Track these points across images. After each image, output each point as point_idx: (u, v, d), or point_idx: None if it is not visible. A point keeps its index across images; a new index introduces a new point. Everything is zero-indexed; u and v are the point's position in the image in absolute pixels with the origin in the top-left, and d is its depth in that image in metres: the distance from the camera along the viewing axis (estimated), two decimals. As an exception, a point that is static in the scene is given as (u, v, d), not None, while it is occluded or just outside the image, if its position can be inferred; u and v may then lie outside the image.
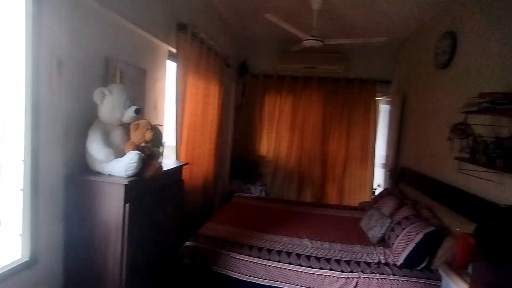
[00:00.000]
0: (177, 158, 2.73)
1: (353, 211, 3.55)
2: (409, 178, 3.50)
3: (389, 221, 2.57)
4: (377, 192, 4.28)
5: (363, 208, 3.58)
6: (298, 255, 2.28)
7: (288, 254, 2.29)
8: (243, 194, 4.16)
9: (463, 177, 2.21)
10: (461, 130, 1.94)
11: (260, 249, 2.34)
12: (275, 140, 5.02)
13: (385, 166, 4.49)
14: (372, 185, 4.66)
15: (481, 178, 2.05)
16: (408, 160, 3.72)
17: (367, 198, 4.62)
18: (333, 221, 3.11)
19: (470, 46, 2.58)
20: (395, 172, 3.95)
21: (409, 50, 4.07)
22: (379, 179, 4.67)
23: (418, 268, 2.13)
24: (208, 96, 3.35)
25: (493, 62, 2.22)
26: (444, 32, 2.97)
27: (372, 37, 3.60)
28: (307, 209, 3.52)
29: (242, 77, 5.07)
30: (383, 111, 4.86)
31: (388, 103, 4.65)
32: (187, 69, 2.73)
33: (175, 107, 2.65)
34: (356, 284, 2.05)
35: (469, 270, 1.79)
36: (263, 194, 4.87)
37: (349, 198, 4.75)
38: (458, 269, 1.85)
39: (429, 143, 3.09)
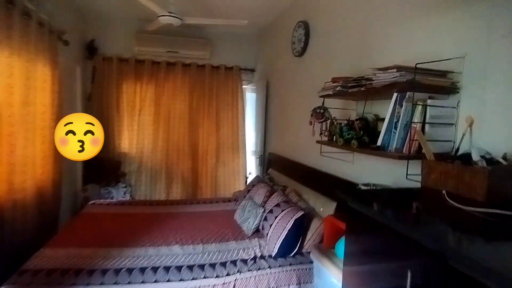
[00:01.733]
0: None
1: (227, 204, 3.43)
2: (277, 164, 3.61)
3: (262, 210, 2.51)
4: (249, 180, 4.31)
5: (236, 198, 3.51)
6: (167, 268, 1.92)
7: (155, 269, 1.91)
8: (101, 200, 3.45)
9: (325, 160, 2.33)
10: (321, 114, 1.99)
11: (117, 271, 1.87)
12: (137, 133, 4.39)
13: (254, 152, 4.57)
14: (244, 171, 4.69)
15: (340, 160, 2.18)
16: (275, 146, 3.85)
17: (241, 187, 4.63)
18: (206, 218, 2.88)
19: (320, 36, 2.74)
20: (264, 158, 4.05)
21: (270, 38, 4.18)
22: (251, 167, 4.73)
23: (291, 254, 2.13)
24: (33, 80, 2.50)
25: (341, 51, 2.40)
26: (298, 21, 3.10)
27: (233, 19, 3.47)
28: (177, 209, 3.18)
29: (90, 60, 4.18)
30: (250, 98, 4.93)
31: (254, 91, 4.73)
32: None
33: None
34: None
35: (335, 249, 1.86)
36: (127, 197, 4.22)
37: (224, 189, 4.65)
38: (326, 250, 1.91)
39: (293, 128, 3.23)
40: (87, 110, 4.19)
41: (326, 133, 2.06)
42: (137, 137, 4.39)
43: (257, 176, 3.50)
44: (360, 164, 2.09)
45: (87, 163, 4.21)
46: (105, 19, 4.19)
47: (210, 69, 4.54)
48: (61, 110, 2.94)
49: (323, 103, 2.08)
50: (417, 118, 1.38)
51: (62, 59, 3.06)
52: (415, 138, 1.38)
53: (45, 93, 2.68)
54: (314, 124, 2.07)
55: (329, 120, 2.03)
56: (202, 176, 4.61)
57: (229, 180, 4.67)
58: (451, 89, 1.40)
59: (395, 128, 1.46)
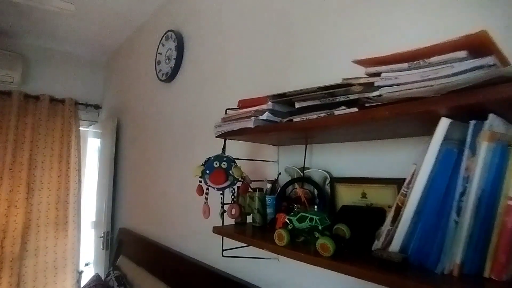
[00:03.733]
0: None
1: None
2: (133, 248, 2.22)
3: None
4: (82, 282, 2.65)
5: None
6: None
7: None
8: None
9: (228, 259, 1.21)
10: (221, 172, 0.95)
11: None
12: None
13: (95, 225, 2.99)
14: (78, 264, 2.94)
15: (254, 258, 1.13)
16: (130, 218, 2.47)
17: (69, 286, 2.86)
18: None
19: (201, 46, 1.80)
20: (112, 238, 2.58)
21: (123, 62, 2.99)
22: (89, 252, 3.05)
23: None
24: None
25: (244, 65, 1.49)
26: (166, 31, 2.11)
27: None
28: None
29: None
30: (93, 147, 3.42)
31: (98, 135, 3.27)
32: None
33: None
34: None
35: None
36: None
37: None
38: None
39: (162, 193, 2.01)
40: None
41: (233, 212, 1.01)
42: None
43: (95, 278, 2.00)
44: (288, 262, 1.11)
45: None
46: None
47: (21, 99, 2.87)
48: None
49: (223, 148, 1.05)
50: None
51: None
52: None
53: None
54: (207, 194, 1.00)
55: (241, 185, 1.01)
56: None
57: (44, 279, 2.81)
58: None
59: (449, 207, 0.56)
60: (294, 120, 0.80)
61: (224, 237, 1.06)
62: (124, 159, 2.70)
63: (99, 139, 3.21)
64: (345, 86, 0.69)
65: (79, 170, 3.08)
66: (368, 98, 0.64)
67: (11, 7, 2.38)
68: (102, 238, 2.62)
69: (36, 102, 2.94)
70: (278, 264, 1.16)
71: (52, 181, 2.92)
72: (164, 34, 2.13)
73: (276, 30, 1.30)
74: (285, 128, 0.82)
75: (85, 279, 2.52)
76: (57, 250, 2.85)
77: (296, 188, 1.00)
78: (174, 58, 1.97)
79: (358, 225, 0.76)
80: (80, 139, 3.15)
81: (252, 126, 0.87)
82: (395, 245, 0.61)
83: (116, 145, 2.77)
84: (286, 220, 0.83)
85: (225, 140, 1.05)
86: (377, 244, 0.66)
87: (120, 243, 2.40)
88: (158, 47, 2.18)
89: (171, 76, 2.01)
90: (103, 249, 2.59)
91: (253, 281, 1.23)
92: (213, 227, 1.03)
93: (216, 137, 1.02)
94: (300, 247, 0.77)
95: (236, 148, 1.26)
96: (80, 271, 2.76)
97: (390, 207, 0.72)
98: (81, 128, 3.19)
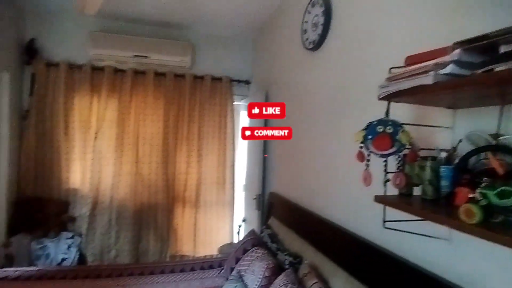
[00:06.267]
0: None
1: (208, 273, 2.25)
2: (282, 211, 2.42)
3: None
4: (241, 233, 3.11)
5: (222, 262, 2.32)
6: None
7: None
8: (6, 272, 2.21)
9: (388, 233, 1.14)
10: (386, 137, 0.87)
11: None
12: (92, 164, 3.24)
13: (247, 188, 3.40)
14: (232, 215, 3.49)
15: (421, 235, 1.02)
16: (280, 184, 2.68)
17: (227, 235, 3.43)
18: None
19: (351, 7, 1.67)
20: (262, 200, 2.87)
21: (270, 37, 3.15)
22: (241, 208, 3.54)
23: None
24: None
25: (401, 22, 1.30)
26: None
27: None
28: (130, 286, 1.98)
29: (29, 66, 3.12)
30: (244, 119, 3.83)
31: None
32: None
33: None
34: None
35: None
36: (72, 254, 3.00)
37: (205, 237, 3.44)
38: None
39: (313, 161, 2.07)
40: (21, 131, 3.09)
41: (398, 181, 0.92)
42: (91, 169, 3.24)
43: (251, 232, 2.31)
44: (465, 245, 0.93)
45: (16, 205, 3.05)
46: (50, 13, 3.17)
47: (191, 80, 3.46)
48: None
49: (387, 112, 0.96)
50: None
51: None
52: None
53: None
54: (368, 160, 0.94)
55: (408, 152, 0.90)
56: (179, 222, 3.42)
57: (211, 227, 3.45)
58: None
59: None
60: (496, 70, 0.63)
61: (384, 209, 0.99)
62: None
63: (249, 112, 3.55)
64: None
65: (233, 140, 3.55)
66: None
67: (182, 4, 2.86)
68: (255, 200, 2.95)
69: (201, 81, 3.50)
70: (449, 246, 1.00)
71: (214, 148, 3.49)
72: (310, 1, 2.08)
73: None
74: (484, 81, 0.65)
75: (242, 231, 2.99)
76: (218, 203, 3.45)
77: (484, 159, 0.81)
78: (321, 24, 1.92)
79: None
80: (234, 111, 3.60)
81: (430, 83, 0.74)
82: None
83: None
84: (475, 195, 0.68)
85: (389, 103, 0.95)
86: None
87: (271, 205, 2.65)
88: (304, 16, 2.17)
89: (318, 44, 1.97)
90: (256, 209, 2.92)
91: (417, 261, 1.11)
92: (375, 196, 0.97)
93: (380, 99, 0.93)
94: (499, 228, 0.63)
95: (396, 113, 1.13)
96: (239, 224, 3.24)
97: None
98: (234, 103, 3.63)
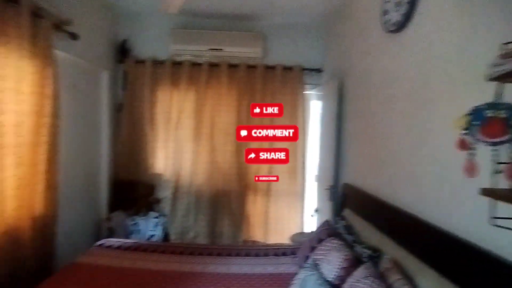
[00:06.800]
0: None
1: (281, 259, 2.31)
2: (358, 204, 2.34)
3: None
4: (315, 223, 3.10)
5: (295, 250, 2.35)
6: None
7: None
8: (113, 240, 2.59)
9: (499, 229, 1.00)
10: (500, 122, 0.77)
11: None
12: (174, 151, 3.55)
13: (319, 179, 3.35)
14: (303, 206, 3.50)
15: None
16: (355, 175, 2.58)
17: (297, 225, 3.46)
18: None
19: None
20: (336, 191, 2.81)
21: (344, 21, 3.00)
22: (312, 197, 3.52)
23: None
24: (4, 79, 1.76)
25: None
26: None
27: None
28: (207, 267, 2.14)
29: (122, 64, 3.52)
30: (314, 108, 3.76)
31: (320, 97, 3.55)
32: None
33: None
34: None
35: None
36: (158, 231, 3.36)
37: (275, 227, 3.52)
38: None
39: (395, 150, 1.95)
40: (117, 123, 3.53)
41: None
42: (173, 156, 3.55)
43: (326, 222, 2.28)
44: None
45: (115, 186, 3.52)
46: (138, 15, 3.51)
47: (263, 70, 3.52)
48: (56, 120, 2.18)
49: (498, 95, 0.84)
50: None
51: (53, 52, 2.19)
52: None
53: (23, 98, 1.92)
54: (473, 148, 0.85)
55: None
56: (251, 210, 3.56)
57: (282, 214, 3.52)
58: None
59: None
60: None
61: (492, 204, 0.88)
62: (347, 120, 2.79)
63: (321, 101, 3.48)
64: None
65: (304, 129, 3.52)
66: None
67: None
68: (328, 191, 2.90)
69: (273, 71, 3.52)
70: None
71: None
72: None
73: None
74: None
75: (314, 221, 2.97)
76: (290, 192, 3.48)
77: None
78: (407, 2, 1.76)
79: None
80: (305, 100, 3.56)
81: None
82: None
83: (339, 105, 2.88)
84: None
85: (502, 84, 0.83)
86: None
87: (345, 196, 2.58)
88: (385, -4, 2.01)
89: (402, 25, 1.82)
90: (328, 200, 2.87)
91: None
92: (483, 189, 0.86)
93: (492, 79, 0.82)
94: None
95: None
96: (312, 214, 3.25)
97: None
98: (305, 92, 3.58)
